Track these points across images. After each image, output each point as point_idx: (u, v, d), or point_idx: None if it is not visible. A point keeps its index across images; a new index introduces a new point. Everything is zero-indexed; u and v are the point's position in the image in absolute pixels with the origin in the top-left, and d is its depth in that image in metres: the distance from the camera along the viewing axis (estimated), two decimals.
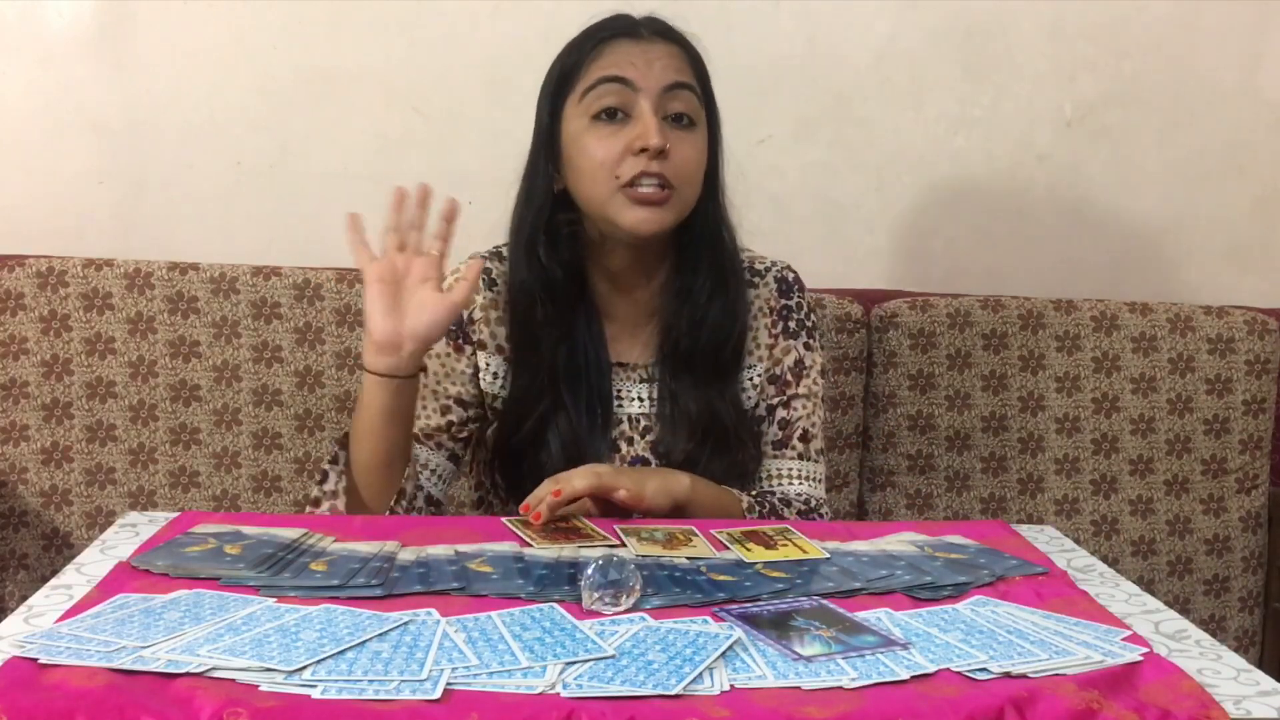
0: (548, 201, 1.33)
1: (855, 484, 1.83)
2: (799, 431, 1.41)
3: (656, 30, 1.32)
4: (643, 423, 1.37)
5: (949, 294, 1.87)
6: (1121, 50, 1.99)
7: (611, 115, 1.27)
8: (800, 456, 1.41)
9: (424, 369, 1.34)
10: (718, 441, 1.35)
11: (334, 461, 1.29)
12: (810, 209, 1.99)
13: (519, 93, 1.91)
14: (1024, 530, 1.24)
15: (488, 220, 1.92)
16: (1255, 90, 2.02)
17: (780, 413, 1.41)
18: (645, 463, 1.36)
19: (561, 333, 1.34)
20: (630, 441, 1.36)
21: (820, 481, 1.42)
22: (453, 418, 1.37)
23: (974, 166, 2.01)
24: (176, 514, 1.17)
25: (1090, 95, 2.00)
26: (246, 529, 1.09)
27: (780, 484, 1.40)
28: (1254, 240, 2.07)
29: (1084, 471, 1.83)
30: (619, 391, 1.37)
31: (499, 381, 1.37)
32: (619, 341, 1.38)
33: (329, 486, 1.28)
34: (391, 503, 1.27)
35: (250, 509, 1.73)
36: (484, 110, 1.93)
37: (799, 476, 1.40)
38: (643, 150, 1.24)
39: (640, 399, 1.37)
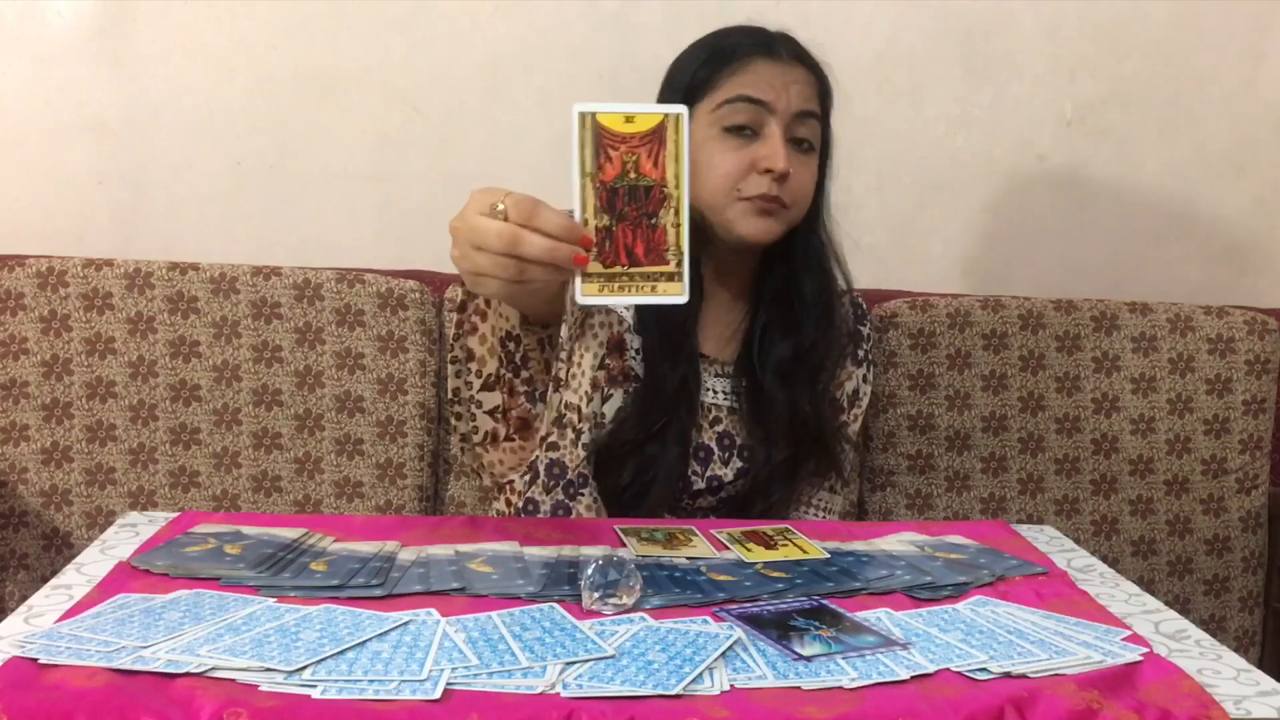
0: None
1: (855, 484, 1.83)
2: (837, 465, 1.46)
3: (794, 53, 1.35)
4: (713, 413, 1.38)
5: (949, 294, 1.87)
6: (1121, 50, 1.99)
7: (741, 130, 1.30)
8: (830, 490, 1.46)
9: None
10: (809, 445, 1.37)
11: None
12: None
13: (519, 93, 1.93)
14: (1024, 530, 1.24)
15: None
16: (1255, 90, 2.02)
17: None
18: (709, 452, 1.37)
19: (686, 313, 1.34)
20: (700, 430, 1.38)
21: (835, 514, 1.47)
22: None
23: (974, 166, 2.01)
24: (176, 514, 1.17)
25: (1090, 95, 2.00)
26: (246, 529, 1.09)
27: (805, 513, 1.44)
28: (1254, 240, 2.07)
29: (1084, 471, 1.83)
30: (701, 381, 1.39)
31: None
32: (699, 331, 1.40)
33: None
34: None
35: (250, 509, 1.73)
36: (484, 110, 1.93)
37: (823, 508, 1.45)
38: (767, 171, 1.28)
39: (715, 391, 1.39)
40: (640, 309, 1.34)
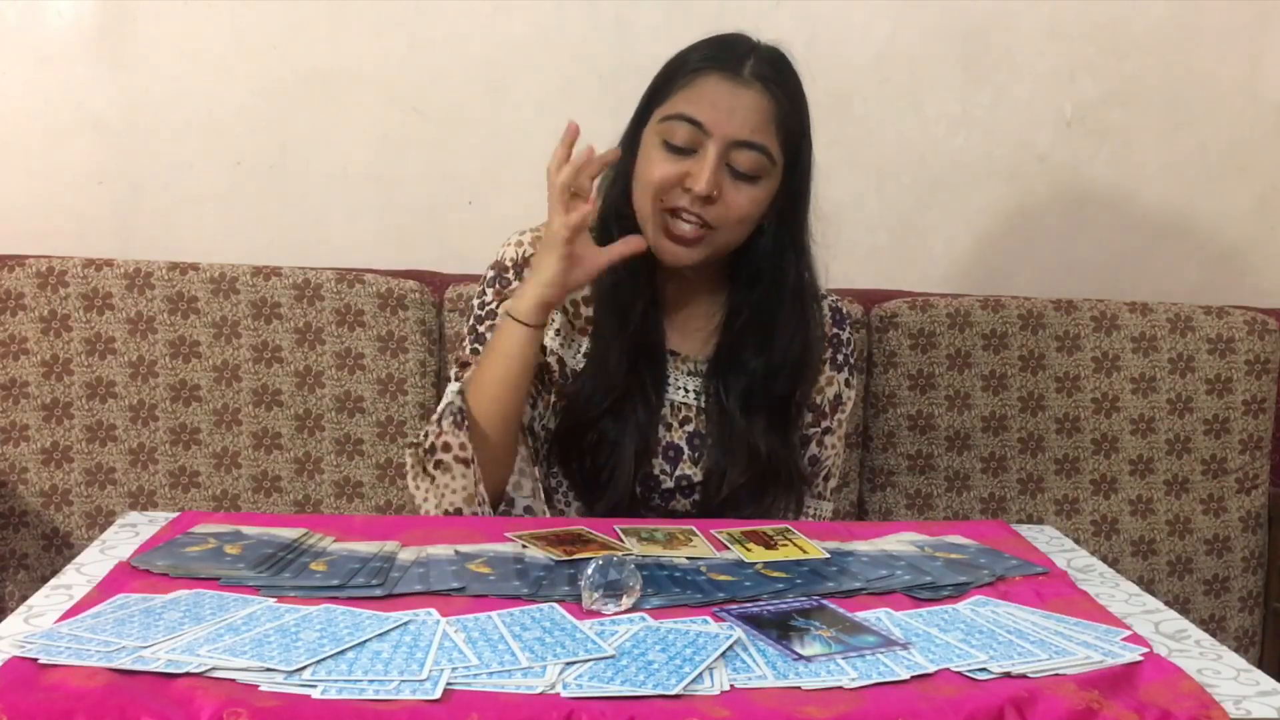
0: (627, 187, 1.34)
1: (855, 484, 1.83)
2: (824, 471, 1.45)
3: (759, 74, 1.29)
4: (683, 412, 1.37)
5: (949, 294, 1.87)
6: (1121, 50, 1.99)
7: (678, 149, 1.28)
8: (818, 496, 1.45)
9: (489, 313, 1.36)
10: (770, 476, 1.36)
11: (458, 424, 1.22)
12: (810, 209, 1.99)
13: (519, 93, 1.93)
14: (1024, 530, 1.24)
15: (488, 220, 1.93)
16: (1255, 90, 2.02)
17: (812, 449, 1.43)
18: (679, 451, 1.36)
19: (645, 305, 1.35)
20: (669, 428, 1.36)
21: (826, 517, 1.45)
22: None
23: (974, 166, 2.01)
24: (176, 514, 1.17)
25: (1090, 95, 2.00)
26: (246, 529, 1.09)
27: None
28: (1254, 240, 2.07)
29: (1084, 471, 1.83)
30: (666, 377, 1.38)
31: (559, 339, 1.36)
32: (670, 328, 1.39)
33: (456, 438, 1.21)
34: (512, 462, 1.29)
35: (250, 509, 1.73)
36: (484, 110, 1.93)
37: (811, 514, 1.44)
38: (688, 190, 1.27)
39: (684, 389, 1.38)
40: (599, 285, 1.34)
